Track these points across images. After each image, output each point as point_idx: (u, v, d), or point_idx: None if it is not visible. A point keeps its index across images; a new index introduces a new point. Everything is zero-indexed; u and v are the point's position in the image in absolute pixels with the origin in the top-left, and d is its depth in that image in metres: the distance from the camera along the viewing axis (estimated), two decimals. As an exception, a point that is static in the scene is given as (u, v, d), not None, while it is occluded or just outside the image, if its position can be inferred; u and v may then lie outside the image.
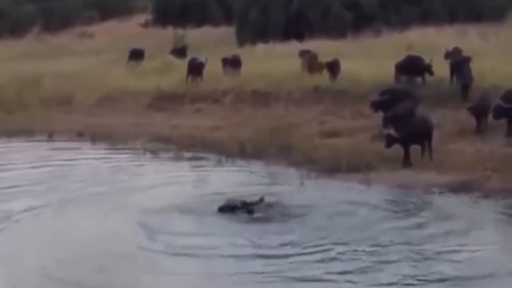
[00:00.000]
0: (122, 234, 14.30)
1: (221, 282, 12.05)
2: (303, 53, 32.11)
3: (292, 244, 13.50)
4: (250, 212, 15.28)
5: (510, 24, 40.30)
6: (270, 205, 15.60)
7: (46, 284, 12.03)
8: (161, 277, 12.23)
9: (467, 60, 25.19)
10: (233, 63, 31.32)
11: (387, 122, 20.37)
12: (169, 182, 18.56)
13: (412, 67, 26.00)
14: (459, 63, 25.05)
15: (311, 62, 29.37)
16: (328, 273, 12.14)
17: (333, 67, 27.95)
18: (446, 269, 12.18)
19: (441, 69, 25.69)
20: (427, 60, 25.75)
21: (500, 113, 20.50)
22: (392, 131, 18.93)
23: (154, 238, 14.04)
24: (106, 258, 12.93)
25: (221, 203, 15.51)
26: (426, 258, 12.72)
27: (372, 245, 13.33)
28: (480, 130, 21.13)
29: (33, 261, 12.86)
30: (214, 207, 15.49)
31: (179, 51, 38.69)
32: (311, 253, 13.02)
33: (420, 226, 14.60)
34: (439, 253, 12.94)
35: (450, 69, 25.27)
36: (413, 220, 14.98)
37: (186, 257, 13.06)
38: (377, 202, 16.32)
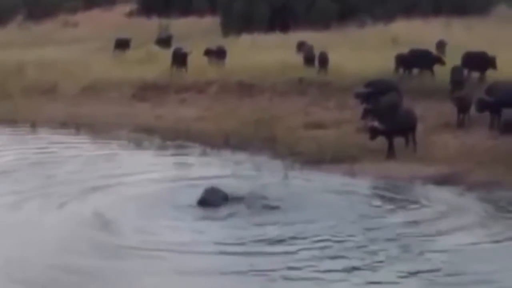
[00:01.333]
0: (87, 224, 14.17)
1: (194, 280, 11.63)
2: (301, 45, 32.12)
3: (272, 238, 13.19)
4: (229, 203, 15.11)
5: (494, 18, 40.47)
6: (252, 197, 15.41)
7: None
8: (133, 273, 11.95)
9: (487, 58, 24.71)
10: (218, 54, 31.27)
11: (366, 114, 20.69)
12: (150, 172, 18.42)
13: (420, 59, 26.20)
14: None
15: (307, 54, 29.35)
16: (314, 271, 11.77)
17: (321, 60, 27.94)
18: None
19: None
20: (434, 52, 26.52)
21: (483, 106, 20.61)
22: (376, 123, 18.96)
23: (126, 231, 13.77)
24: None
25: (201, 195, 15.25)
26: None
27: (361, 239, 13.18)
28: (461, 122, 21.18)
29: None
30: (194, 199, 15.27)
31: (164, 41, 38.57)
32: (294, 251, 12.63)
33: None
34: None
35: (462, 62, 24.78)
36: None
37: (158, 252, 12.71)
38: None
